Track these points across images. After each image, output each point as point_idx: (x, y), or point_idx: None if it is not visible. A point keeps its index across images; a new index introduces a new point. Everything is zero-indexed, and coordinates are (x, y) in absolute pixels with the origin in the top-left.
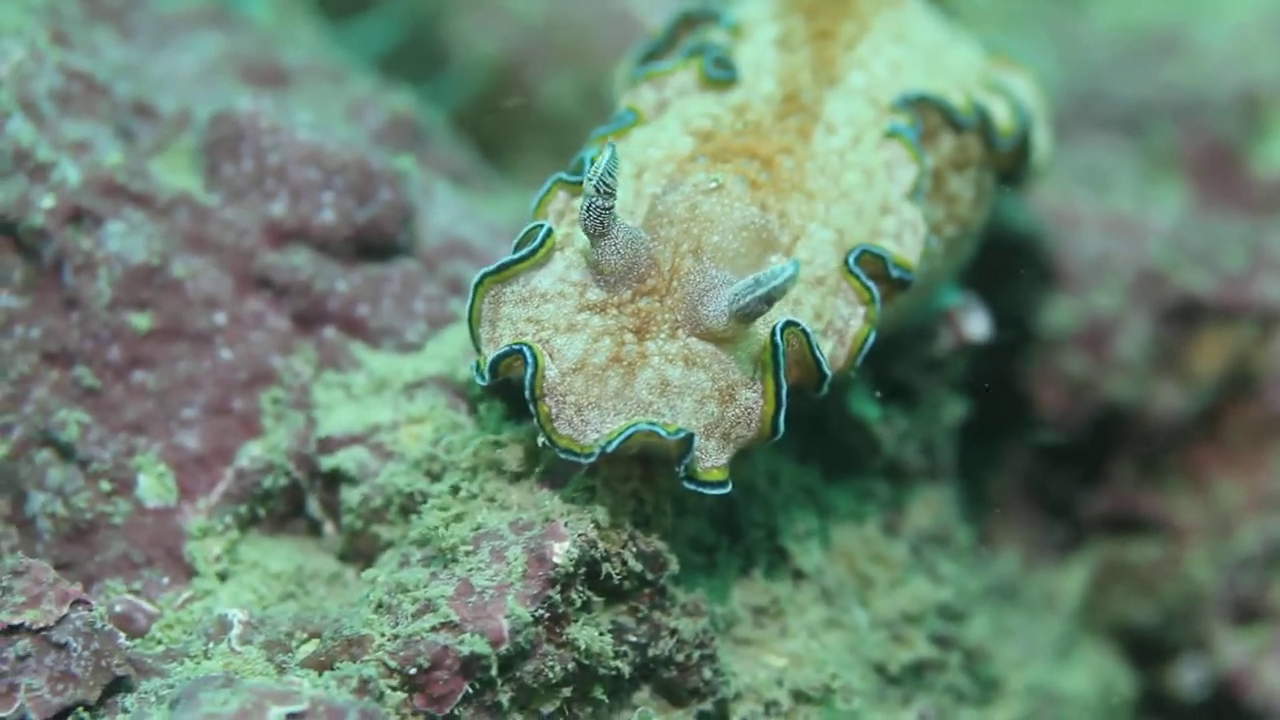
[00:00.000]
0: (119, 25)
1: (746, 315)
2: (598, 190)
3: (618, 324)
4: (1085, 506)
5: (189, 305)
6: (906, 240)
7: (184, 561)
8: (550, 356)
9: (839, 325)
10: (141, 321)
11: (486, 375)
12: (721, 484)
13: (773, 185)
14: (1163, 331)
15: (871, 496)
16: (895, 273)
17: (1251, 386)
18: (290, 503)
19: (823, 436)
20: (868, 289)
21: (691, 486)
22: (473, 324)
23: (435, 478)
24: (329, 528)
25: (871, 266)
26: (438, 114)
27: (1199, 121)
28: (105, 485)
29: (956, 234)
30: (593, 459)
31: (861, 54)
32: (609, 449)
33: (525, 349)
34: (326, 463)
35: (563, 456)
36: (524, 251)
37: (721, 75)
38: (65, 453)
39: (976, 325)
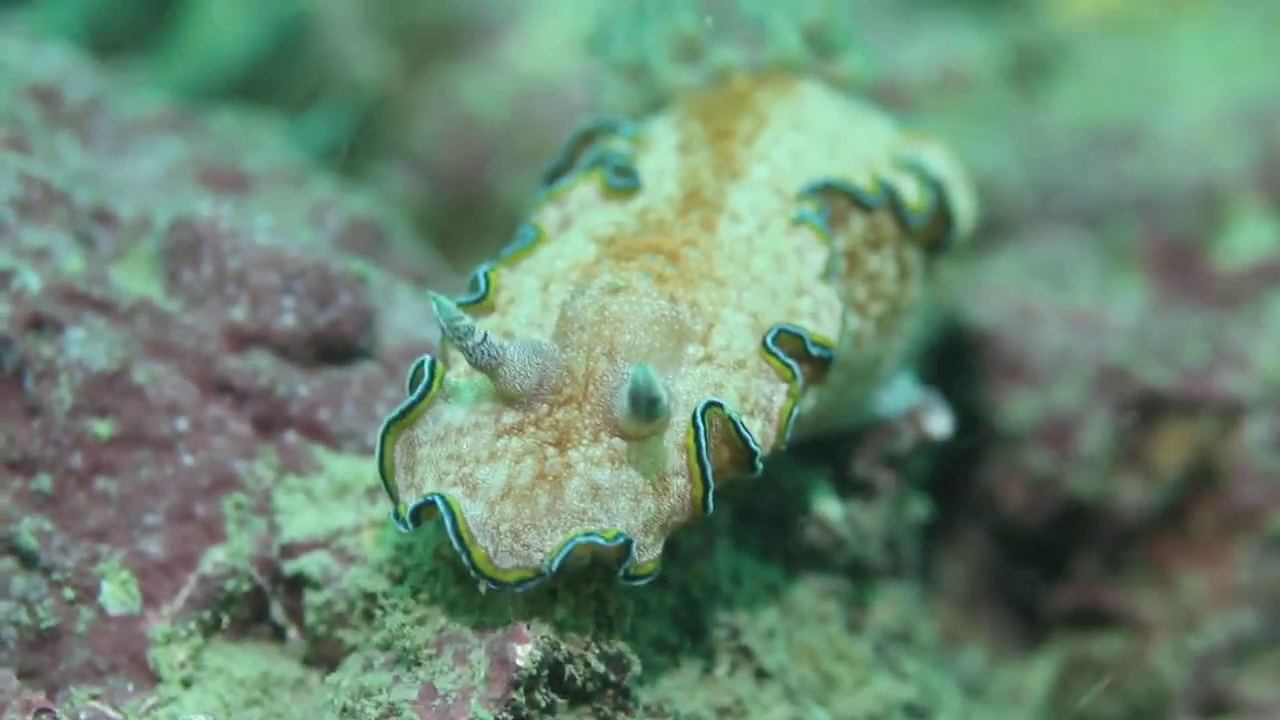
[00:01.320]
0: (79, 131)
1: (651, 418)
2: (454, 335)
3: (536, 441)
4: (1050, 602)
5: (150, 411)
6: (824, 318)
7: (148, 668)
8: (474, 490)
9: (764, 404)
10: (103, 428)
11: (409, 524)
12: (654, 572)
13: (680, 277)
14: (1125, 426)
15: (835, 594)
16: (814, 350)
17: (1214, 480)
18: (254, 608)
19: (785, 534)
20: (788, 366)
21: (627, 583)
22: (385, 475)
23: (398, 580)
24: (293, 633)
25: (790, 345)
26: (396, 214)
27: (1159, 215)
28: (69, 593)
29: (885, 310)
30: (546, 577)
31: (761, 147)
32: (553, 567)
33: (438, 500)
34: (290, 567)
35: (519, 590)
36: (418, 393)
37: (623, 184)
38: (28, 561)
39: (938, 423)
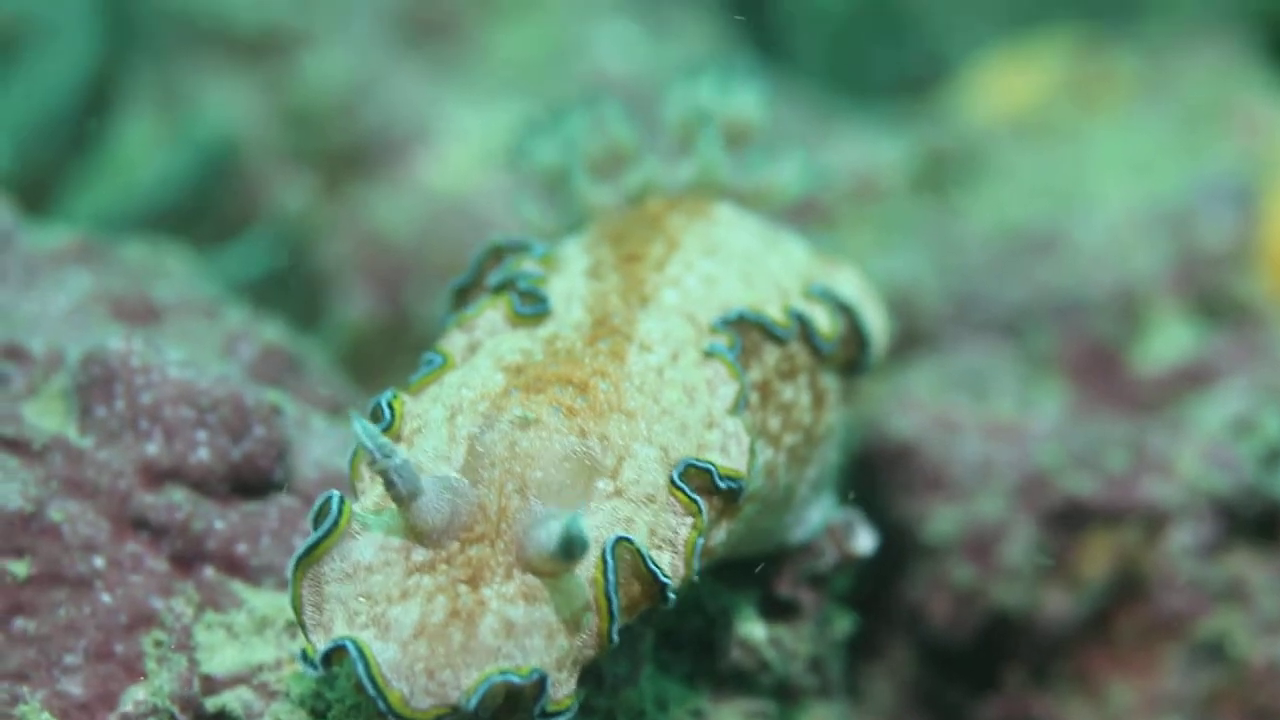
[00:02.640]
0: None
1: (568, 558)
2: (378, 457)
3: (449, 579)
4: (978, 714)
5: (67, 550)
6: (732, 451)
7: None
8: (386, 630)
9: (671, 537)
10: (20, 568)
11: (319, 666)
12: (571, 708)
13: (590, 410)
14: (1048, 536)
15: (761, 716)
16: (723, 484)
17: (1139, 588)
18: None
19: (711, 658)
20: (694, 501)
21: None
22: (297, 611)
23: (320, 716)
24: None
25: (698, 480)
26: (313, 344)
27: (1077, 321)
28: None
29: (798, 440)
30: (464, 712)
31: (672, 272)
32: (471, 705)
33: (348, 644)
34: (211, 704)
35: None
36: (324, 529)
37: (531, 310)
38: None
39: (862, 541)
